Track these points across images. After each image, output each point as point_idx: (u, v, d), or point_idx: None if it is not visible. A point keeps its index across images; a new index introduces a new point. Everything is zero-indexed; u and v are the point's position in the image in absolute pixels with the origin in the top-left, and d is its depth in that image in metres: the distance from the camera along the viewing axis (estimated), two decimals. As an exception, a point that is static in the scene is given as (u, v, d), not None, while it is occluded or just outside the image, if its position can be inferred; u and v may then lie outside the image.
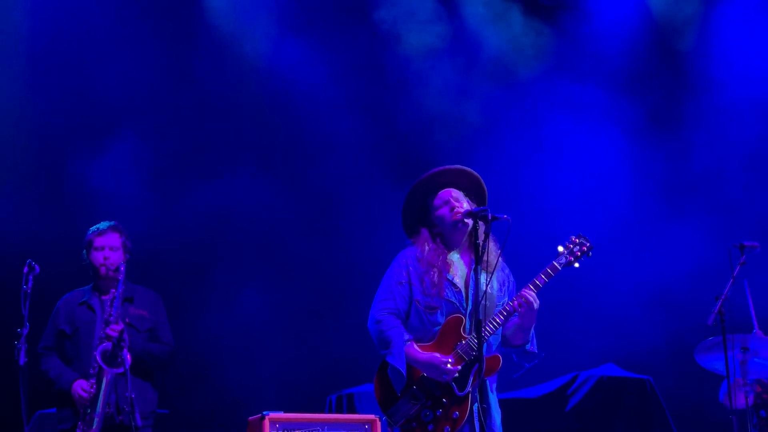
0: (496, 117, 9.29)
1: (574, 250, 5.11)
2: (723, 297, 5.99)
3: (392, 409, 4.97)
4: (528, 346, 5.17)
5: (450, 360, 4.90)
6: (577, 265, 5.11)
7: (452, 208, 5.11)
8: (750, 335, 6.51)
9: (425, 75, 9.20)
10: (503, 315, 4.97)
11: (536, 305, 4.96)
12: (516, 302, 4.95)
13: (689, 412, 8.37)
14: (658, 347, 8.87)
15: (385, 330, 5.05)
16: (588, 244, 5.14)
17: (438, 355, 4.93)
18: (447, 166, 5.25)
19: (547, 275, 5.01)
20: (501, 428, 5.08)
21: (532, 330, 5.13)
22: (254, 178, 8.70)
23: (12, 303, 5.78)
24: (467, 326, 5.00)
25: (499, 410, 5.10)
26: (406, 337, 5.03)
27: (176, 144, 8.63)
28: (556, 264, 5.06)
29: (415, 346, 5.00)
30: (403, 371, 4.96)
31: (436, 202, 5.18)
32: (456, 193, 5.17)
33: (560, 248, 5.13)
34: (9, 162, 8.14)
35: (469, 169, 5.25)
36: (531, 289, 4.96)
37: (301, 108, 8.90)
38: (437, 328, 5.03)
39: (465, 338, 4.97)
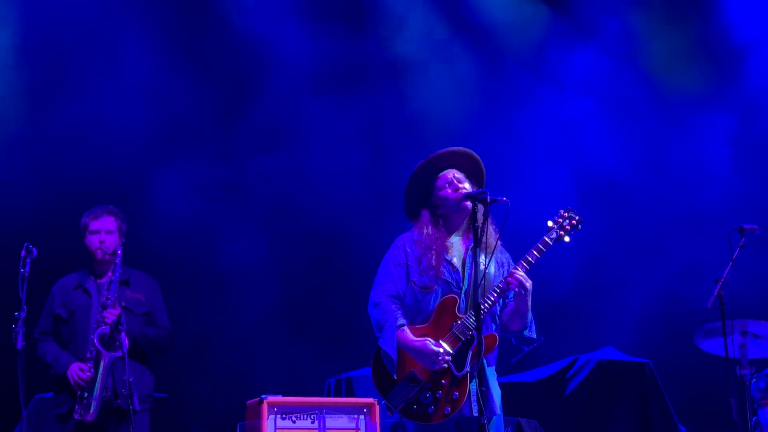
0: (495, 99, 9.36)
1: (564, 224, 5.10)
2: (722, 280, 5.99)
3: (391, 394, 4.96)
4: (526, 332, 5.14)
5: (442, 349, 4.90)
6: (567, 239, 5.10)
7: (456, 189, 5.10)
8: (749, 320, 6.51)
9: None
10: (499, 289, 4.96)
11: (528, 285, 4.95)
12: (507, 280, 4.94)
13: (688, 396, 8.45)
14: (657, 331, 8.94)
15: (382, 313, 5.06)
16: (577, 218, 5.13)
17: (430, 342, 4.92)
18: (450, 149, 5.23)
19: (539, 251, 5.01)
20: (501, 406, 5.07)
21: (530, 314, 5.11)
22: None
23: (9, 286, 5.74)
24: (462, 306, 5.00)
25: (498, 389, 5.10)
26: (400, 322, 5.02)
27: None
28: (547, 239, 5.06)
29: (408, 332, 4.98)
30: (393, 355, 4.94)
31: (439, 183, 5.17)
32: (459, 174, 5.16)
33: (550, 223, 5.12)
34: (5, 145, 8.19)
35: (470, 152, 5.24)
36: (524, 266, 4.96)
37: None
38: (432, 308, 5.03)
39: (460, 318, 4.96)
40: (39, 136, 8.27)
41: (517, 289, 4.94)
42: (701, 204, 9.15)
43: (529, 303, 5.02)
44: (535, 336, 5.17)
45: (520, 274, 4.93)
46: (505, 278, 4.97)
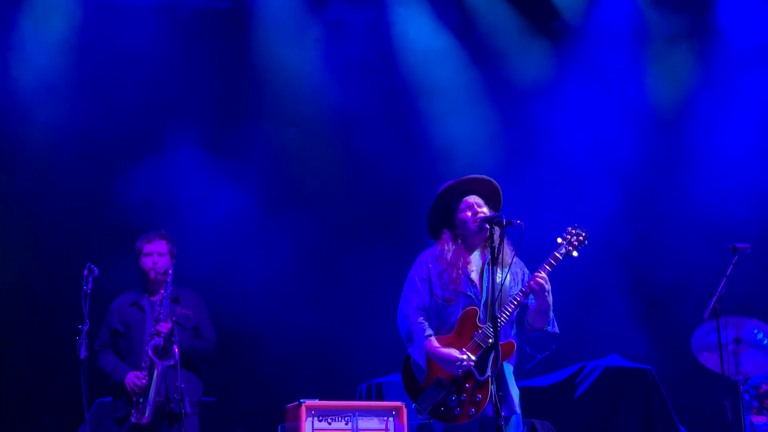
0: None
1: (572, 240, 5.39)
2: (717, 295, 6.20)
3: (420, 398, 5.29)
4: (549, 328, 5.46)
5: (465, 356, 5.25)
6: (575, 254, 5.38)
7: (475, 213, 5.45)
8: (743, 318, 6.71)
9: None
10: (517, 301, 5.28)
11: (548, 286, 5.26)
12: (530, 284, 5.27)
13: (688, 399, 8.60)
14: (659, 339, 9.09)
15: (410, 325, 5.40)
16: (584, 234, 5.42)
17: (455, 351, 5.26)
18: (471, 176, 5.59)
19: (550, 265, 5.30)
20: (519, 406, 5.40)
21: (551, 313, 5.42)
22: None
23: (74, 303, 6.13)
24: (482, 316, 5.33)
25: (516, 389, 5.42)
26: (428, 332, 5.36)
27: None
28: (557, 254, 5.35)
29: (435, 341, 5.32)
30: (423, 364, 5.29)
31: (462, 206, 5.51)
32: (479, 200, 5.52)
33: (559, 239, 5.40)
34: (70, 175, 8.57)
35: (489, 179, 5.60)
36: (542, 273, 5.28)
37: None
38: (455, 319, 5.38)
39: (481, 328, 5.29)
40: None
41: (538, 290, 5.27)
42: (705, 212, 9.25)
43: (550, 302, 5.34)
44: (558, 331, 5.48)
45: (542, 276, 5.26)
46: (528, 282, 5.31)
